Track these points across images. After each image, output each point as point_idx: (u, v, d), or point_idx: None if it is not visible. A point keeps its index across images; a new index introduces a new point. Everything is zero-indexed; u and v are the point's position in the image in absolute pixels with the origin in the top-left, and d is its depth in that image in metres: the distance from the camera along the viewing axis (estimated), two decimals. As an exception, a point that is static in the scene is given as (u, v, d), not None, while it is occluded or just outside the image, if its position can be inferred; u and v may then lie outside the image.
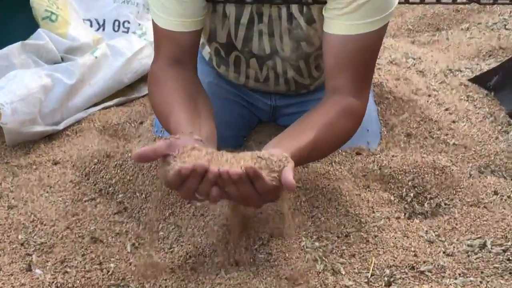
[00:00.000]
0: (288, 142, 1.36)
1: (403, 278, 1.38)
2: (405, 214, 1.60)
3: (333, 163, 1.77)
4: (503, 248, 1.45)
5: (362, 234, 1.51)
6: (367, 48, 1.50)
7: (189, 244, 1.50)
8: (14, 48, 2.08)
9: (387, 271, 1.40)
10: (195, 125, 1.39)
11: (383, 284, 1.36)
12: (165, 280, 1.38)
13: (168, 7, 1.53)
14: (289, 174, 1.20)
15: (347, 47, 1.48)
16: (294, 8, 1.60)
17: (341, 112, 1.48)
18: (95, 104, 2.14)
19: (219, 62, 1.85)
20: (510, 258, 1.42)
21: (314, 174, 1.69)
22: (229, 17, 1.64)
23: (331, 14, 1.48)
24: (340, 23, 1.46)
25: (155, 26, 1.59)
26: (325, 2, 1.51)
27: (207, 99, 1.56)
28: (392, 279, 1.37)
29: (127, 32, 2.50)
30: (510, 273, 1.38)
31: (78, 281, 1.38)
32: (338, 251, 1.46)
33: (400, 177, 1.71)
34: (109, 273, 1.41)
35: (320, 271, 1.38)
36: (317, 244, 1.47)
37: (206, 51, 1.88)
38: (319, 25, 1.59)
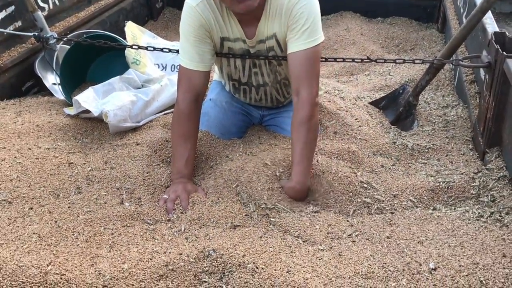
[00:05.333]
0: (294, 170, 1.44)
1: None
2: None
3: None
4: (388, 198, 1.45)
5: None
6: (312, 57, 1.48)
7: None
8: (115, 79, 2.04)
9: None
10: (187, 168, 1.51)
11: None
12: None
13: (190, 55, 1.51)
14: None
15: (302, 58, 1.47)
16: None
17: (301, 125, 1.46)
18: (160, 112, 2.07)
19: (234, 91, 1.83)
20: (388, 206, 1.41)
21: (284, 155, 1.65)
22: (238, 67, 1.65)
23: (290, 41, 1.49)
24: (295, 45, 1.47)
25: (180, 67, 1.55)
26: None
27: (196, 138, 1.59)
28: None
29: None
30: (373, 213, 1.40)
31: (147, 209, 1.38)
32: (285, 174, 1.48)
33: (329, 156, 1.70)
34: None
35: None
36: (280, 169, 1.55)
37: (226, 86, 1.84)
38: (284, 65, 1.63)
